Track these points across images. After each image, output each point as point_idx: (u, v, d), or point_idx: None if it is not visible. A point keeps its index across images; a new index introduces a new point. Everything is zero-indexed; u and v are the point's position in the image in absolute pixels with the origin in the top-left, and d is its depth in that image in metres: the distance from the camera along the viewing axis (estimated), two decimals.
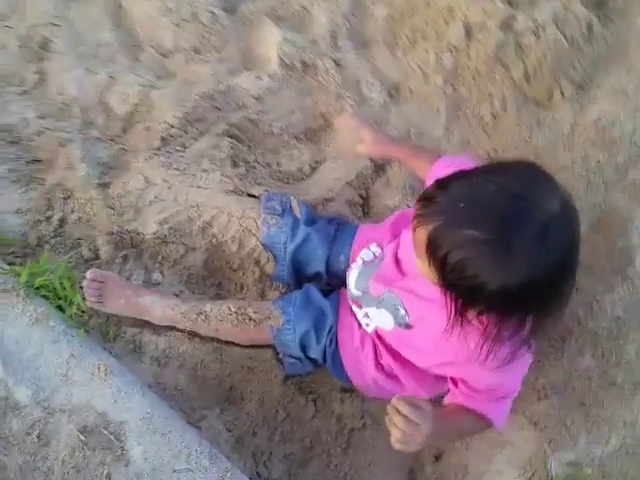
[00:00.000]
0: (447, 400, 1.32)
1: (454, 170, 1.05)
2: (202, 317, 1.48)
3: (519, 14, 1.77)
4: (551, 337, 1.50)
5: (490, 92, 1.80)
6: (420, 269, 1.09)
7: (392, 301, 1.31)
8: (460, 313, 1.05)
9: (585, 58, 1.82)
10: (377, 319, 1.37)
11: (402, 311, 1.30)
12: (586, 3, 1.84)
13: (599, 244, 1.57)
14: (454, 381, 1.30)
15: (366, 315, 1.41)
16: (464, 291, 1.01)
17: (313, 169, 1.76)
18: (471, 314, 1.05)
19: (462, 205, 0.97)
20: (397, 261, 1.37)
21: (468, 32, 1.78)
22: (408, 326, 1.30)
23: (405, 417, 1.07)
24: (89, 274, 1.49)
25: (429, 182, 1.34)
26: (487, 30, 1.76)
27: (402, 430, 1.08)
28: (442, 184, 1.03)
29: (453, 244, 0.97)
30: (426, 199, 1.03)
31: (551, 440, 1.37)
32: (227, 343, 1.53)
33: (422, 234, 1.00)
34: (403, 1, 1.86)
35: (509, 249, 0.94)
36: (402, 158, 1.61)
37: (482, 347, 1.08)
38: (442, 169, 1.34)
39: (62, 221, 1.66)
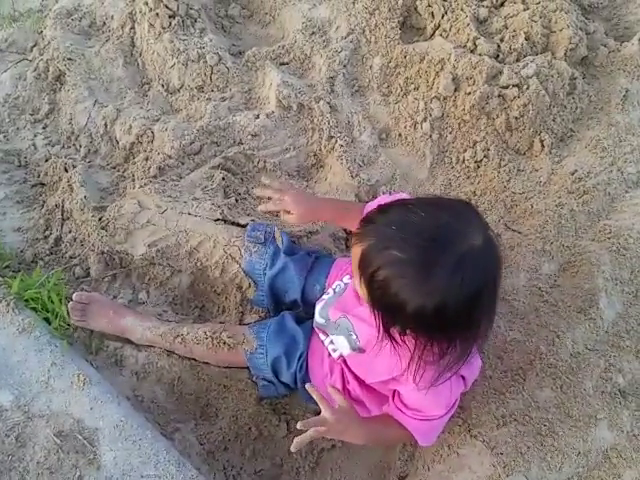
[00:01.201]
0: (383, 409, 1.41)
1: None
2: (179, 340, 1.56)
3: (505, 69, 1.86)
4: (513, 370, 1.55)
5: (474, 140, 1.88)
6: (355, 286, 1.18)
7: (345, 326, 1.40)
8: (385, 330, 1.13)
9: (566, 112, 1.90)
10: (338, 345, 1.43)
11: (354, 336, 1.37)
12: (571, 61, 1.93)
13: (566, 284, 1.62)
14: (392, 395, 1.38)
15: (331, 342, 1.47)
16: (387, 308, 1.10)
17: None
18: (395, 332, 1.14)
19: (394, 228, 1.06)
20: (355, 291, 1.44)
21: (456, 83, 1.88)
22: (361, 350, 1.37)
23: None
24: (75, 296, 1.58)
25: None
26: (474, 82, 1.86)
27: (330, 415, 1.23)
28: (383, 208, 1.14)
29: (380, 262, 1.06)
30: (366, 220, 1.14)
31: (506, 465, 1.41)
32: (204, 362, 1.59)
33: (357, 251, 1.10)
34: (399, 54, 1.96)
35: (428, 273, 1.03)
36: (330, 219, 1.66)
37: (409, 367, 1.16)
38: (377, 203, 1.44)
39: (58, 240, 1.77)
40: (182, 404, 1.57)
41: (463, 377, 1.33)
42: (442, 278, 1.02)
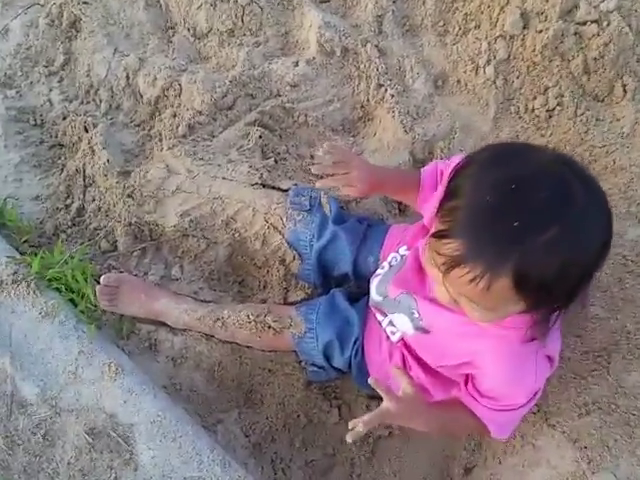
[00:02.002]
0: (452, 393, 1.26)
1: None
2: (219, 324, 1.40)
3: (582, 2, 1.61)
4: (595, 351, 1.37)
5: (546, 85, 1.64)
6: (447, 302, 1.02)
7: (407, 303, 1.22)
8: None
9: None
10: (400, 325, 1.27)
11: (416, 314, 1.21)
12: None
13: None
14: (466, 380, 1.22)
15: (391, 323, 1.30)
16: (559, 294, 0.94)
17: None
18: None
19: (511, 221, 0.86)
20: (420, 266, 1.25)
21: (525, 20, 1.63)
22: (425, 330, 1.21)
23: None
24: (103, 279, 1.43)
25: (422, 194, 1.31)
26: (546, 18, 1.61)
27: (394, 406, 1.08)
28: (453, 194, 0.95)
29: (543, 258, 0.87)
30: (448, 233, 0.92)
31: (591, 460, 1.24)
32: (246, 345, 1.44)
33: (499, 284, 0.89)
34: None
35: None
36: (392, 192, 1.44)
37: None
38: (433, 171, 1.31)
39: (80, 210, 1.61)
40: (224, 392, 1.42)
41: (549, 358, 1.14)
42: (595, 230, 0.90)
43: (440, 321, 1.17)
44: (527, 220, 0.86)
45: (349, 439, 1.08)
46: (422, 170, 1.33)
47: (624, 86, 1.63)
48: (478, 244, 0.88)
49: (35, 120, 1.77)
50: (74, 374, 1.31)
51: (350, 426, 1.09)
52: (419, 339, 1.25)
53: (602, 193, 0.93)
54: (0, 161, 1.67)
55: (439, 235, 0.92)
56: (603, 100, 1.66)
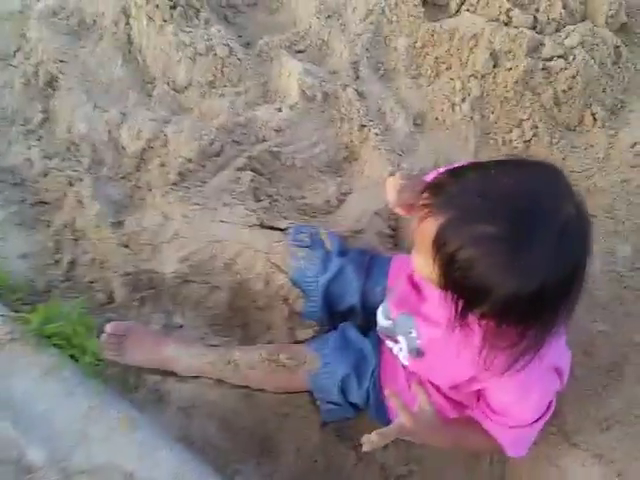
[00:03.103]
0: (467, 412, 1.25)
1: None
2: (231, 366, 1.36)
3: (546, 40, 1.73)
4: (605, 366, 1.40)
5: (520, 118, 1.73)
6: (420, 268, 1.01)
7: (405, 323, 1.22)
8: (461, 315, 0.95)
9: (614, 82, 1.77)
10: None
11: (414, 334, 1.20)
12: (612, 28, 1.81)
13: None
14: (478, 397, 1.21)
15: (401, 349, 1.29)
16: (468, 292, 0.92)
17: (340, 201, 1.66)
18: (472, 317, 0.95)
19: (478, 197, 0.88)
20: (414, 285, 1.27)
21: (494, 59, 1.73)
22: (419, 352, 1.21)
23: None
24: (109, 328, 1.38)
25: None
26: (514, 56, 1.72)
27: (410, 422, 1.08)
28: (455, 172, 0.96)
29: (465, 239, 0.88)
30: (437, 187, 0.94)
31: (619, 474, 1.24)
32: (259, 389, 1.39)
33: (429, 226, 0.91)
34: (426, 32, 1.81)
35: (523, 250, 0.86)
36: None
37: (480, 353, 0.99)
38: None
39: (72, 264, 1.55)
40: (238, 441, 1.36)
41: (557, 370, 1.14)
42: (542, 256, 0.85)
43: (436, 337, 1.16)
44: (494, 206, 0.87)
45: (365, 448, 1.06)
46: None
47: (593, 114, 1.73)
48: (449, 193, 0.92)
49: (14, 179, 1.71)
50: (83, 432, 1.23)
51: (363, 440, 1.07)
52: (416, 364, 1.25)
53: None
54: None
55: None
56: (574, 129, 1.76)
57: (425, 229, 0.92)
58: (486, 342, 0.97)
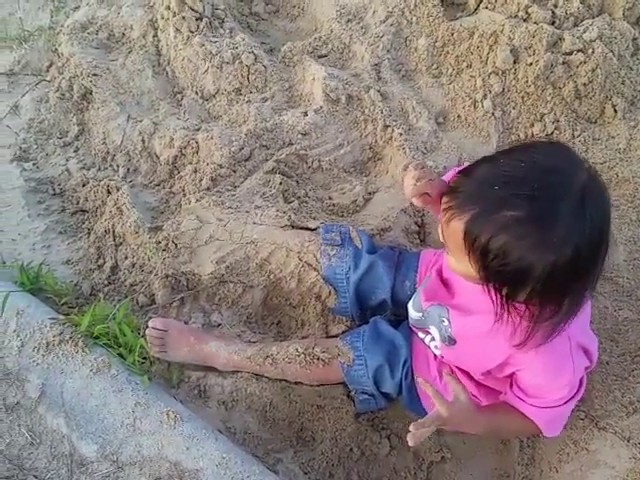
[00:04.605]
0: (500, 397, 1.28)
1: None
2: (269, 360, 1.42)
3: (565, 34, 1.76)
4: (631, 352, 1.43)
5: (541, 112, 1.77)
6: (454, 267, 1.07)
7: (437, 312, 1.27)
8: (506, 302, 1.00)
9: (633, 74, 1.79)
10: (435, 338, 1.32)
11: (446, 322, 1.25)
12: (629, 21, 1.83)
13: None
14: (510, 382, 1.25)
15: (432, 339, 1.34)
16: (509, 277, 0.97)
17: (367, 200, 1.71)
18: (518, 302, 1.00)
19: (496, 187, 0.94)
20: (444, 281, 1.32)
21: (515, 55, 1.76)
22: (452, 340, 1.26)
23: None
24: (151, 323, 1.45)
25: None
26: (534, 52, 1.75)
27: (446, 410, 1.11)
28: (465, 172, 1.02)
29: (493, 229, 0.94)
30: (453, 190, 1.01)
31: None
32: (295, 382, 1.45)
33: (457, 226, 0.97)
34: (446, 31, 1.86)
35: (552, 224, 0.91)
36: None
37: (524, 331, 1.03)
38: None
39: (114, 268, 1.64)
40: (277, 431, 1.42)
41: (586, 350, 1.19)
42: (569, 225, 0.91)
43: (467, 325, 1.21)
44: (511, 191, 0.93)
45: (411, 444, 1.10)
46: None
47: (614, 106, 1.76)
48: (467, 191, 0.98)
49: (54, 189, 1.81)
50: (133, 426, 1.31)
51: (408, 437, 1.10)
52: (448, 352, 1.30)
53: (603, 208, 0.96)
54: (26, 230, 1.70)
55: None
56: (596, 121, 1.79)
57: (453, 230, 0.99)
58: (531, 320, 1.02)
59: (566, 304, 0.99)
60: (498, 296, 1.00)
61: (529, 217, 0.92)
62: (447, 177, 1.29)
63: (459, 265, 1.04)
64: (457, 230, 0.97)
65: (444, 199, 1.02)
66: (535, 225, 0.92)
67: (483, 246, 0.95)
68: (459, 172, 1.05)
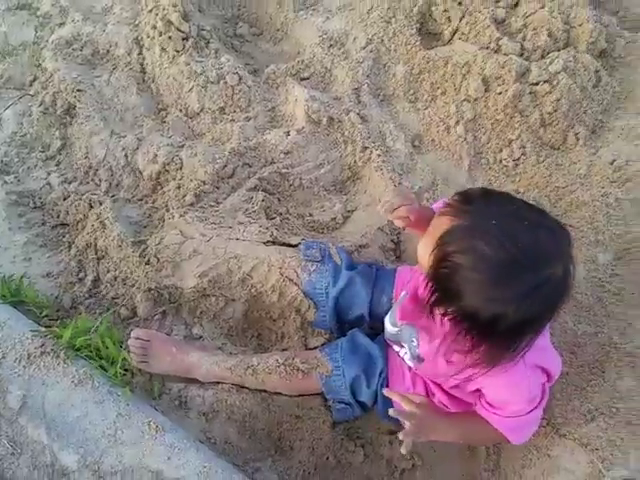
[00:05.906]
0: (472, 409, 1.36)
1: None
2: (250, 371, 1.46)
3: (532, 66, 1.86)
4: (589, 363, 1.52)
5: (509, 138, 1.86)
6: (420, 254, 1.13)
7: (409, 332, 1.35)
8: (430, 305, 1.10)
9: (595, 104, 1.90)
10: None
11: (415, 342, 1.33)
12: (593, 54, 1.94)
13: (625, 273, 1.62)
14: (479, 395, 1.33)
15: (407, 353, 1.40)
16: (443, 290, 1.07)
17: (345, 218, 1.78)
18: (437, 311, 1.11)
19: (494, 222, 1.02)
20: (417, 300, 1.37)
21: (486, 84, 1.86)
22: (420, 359, 1.34)
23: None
24: (134, 333, 1.48)
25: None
26: (503, 82, 1.85)
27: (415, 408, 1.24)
28: (487, 194, 1.11)
29: (464, 248, 1.02)
30: (466, 198, 1.09)
31: (604, 459, 1.36)
32: (275, 392, 1.49)
33: (445, 221, 1.06)
34: (422, 59, 1.94)
35: (504, 281, 1.00)
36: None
37: (439, 346, 1.16)
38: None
39: (96, 281, 1.66)
40: (256, 441, 1.46)
41: (542, 368, 1.27)
42: (515, 293, 1.00)
43: (433, 348, 1.26)
44: (501, 234, 1.01)
45: (404, 451, 1.23)
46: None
47: (576, 134, 1.86)
48: (476, 207, 1.07)
49: (35, 203, 1.82)
50: (114, 437, 1.33)
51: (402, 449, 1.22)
52: (419, 367, 1.37)
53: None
54: (6, 243, 1.71)
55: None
56: (559, 148, 1.88)
57: (440, 222, 1.08)
58: (446, 339, 1.13)
59: (481, 352, 1.08)
60: (428, 295, 1.10)
61: (494, 261, 1.00)
62: (435, 206, 1.38)
63: (424, 254, 1.10)
64: (442, 225, 1.06)
65: (455, 196, 1.11)
66: (492, 270, 1.00)
67: (446, 253, 1.04)
68: (484, 188, 1.16)
